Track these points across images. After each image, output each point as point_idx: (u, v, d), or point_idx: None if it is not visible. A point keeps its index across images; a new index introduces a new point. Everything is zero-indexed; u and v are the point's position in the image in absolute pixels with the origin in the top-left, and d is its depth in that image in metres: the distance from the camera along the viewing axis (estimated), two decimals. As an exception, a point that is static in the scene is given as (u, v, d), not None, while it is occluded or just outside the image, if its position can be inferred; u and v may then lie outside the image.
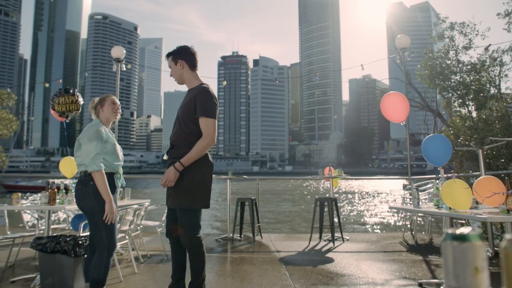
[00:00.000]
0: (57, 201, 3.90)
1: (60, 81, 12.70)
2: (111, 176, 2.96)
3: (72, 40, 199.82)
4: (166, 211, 5.17)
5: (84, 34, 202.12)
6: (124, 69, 7.38)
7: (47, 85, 11.69)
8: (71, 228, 4.82)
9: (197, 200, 2.73)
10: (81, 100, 4.93)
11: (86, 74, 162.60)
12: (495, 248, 4.85)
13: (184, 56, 2.92)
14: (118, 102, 3.16)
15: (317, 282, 3.70)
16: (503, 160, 8.36)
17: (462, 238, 0.60)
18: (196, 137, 2.76)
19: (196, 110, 2.76)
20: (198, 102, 2.76)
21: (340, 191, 36.72)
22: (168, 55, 2.97)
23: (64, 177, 5.69)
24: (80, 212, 4.58)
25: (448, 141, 4.38)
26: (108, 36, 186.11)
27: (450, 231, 0.63)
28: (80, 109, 5.01)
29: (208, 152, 2.84)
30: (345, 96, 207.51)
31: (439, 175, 3.71)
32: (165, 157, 2.94)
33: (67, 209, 4.25)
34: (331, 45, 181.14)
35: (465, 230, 0.62)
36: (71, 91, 4.84)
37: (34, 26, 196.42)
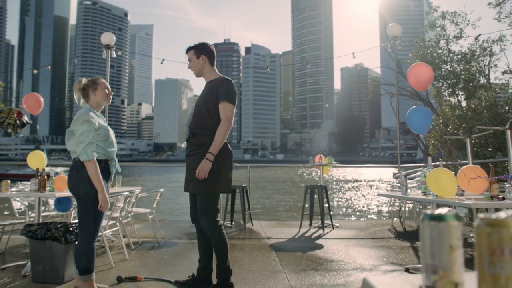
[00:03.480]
0: (47, 188, 3.89)
1: (49, 67, 12.54)
2: (106, 163, 2.95)
3: (61, 26, 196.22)
4: (157, 198, 5.19)
5: (73, 20, 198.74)
6: (114, 55, 7.28)
7: (35, 71, 11.52)
8: (59, 212, 4.83)
9: (217, 184, 2.88)
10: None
11: (76, 61, 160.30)
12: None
13: (206, 52, 3.14)
14: (109, 86, 3.14)
15: (306, 268, 3.76)
16: (490, 149, 8.50)
17: (439, 218, 0.63)
18: (217, 125, 2.93)
19: (218, 96, 2.95)
20: (222, 88, 2.97)
21: (331, 179, 37.02)
22: (190, 48, 3.18)
23: (54, 165, 5.58)
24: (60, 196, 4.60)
25: (427, 111, 4.80)
26: (98, 22, 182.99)
27: (428, 211, 0.66)
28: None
29: (227, 140, 2.99)
30: (337, 84, 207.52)
31: (427, 163, 3.78)
32: (183, 145, 3.09)
33: (58, 196, 4.23)
34: (323, 33, 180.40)
35: (442, 210, 0.64)
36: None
37: (20, 11, 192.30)
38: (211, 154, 2.82)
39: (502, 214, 0.57)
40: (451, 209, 0.67)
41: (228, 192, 3.07)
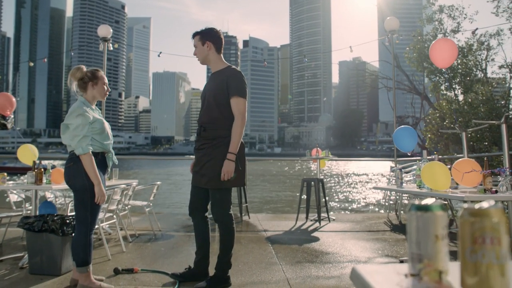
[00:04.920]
0: (44, 181, 3.89)
1: (46, 60, 12.48)
2: (102, 156, 2.96)
3: (57, 18, 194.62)
4: (154, 190, 5.21)
5: (69, 12, 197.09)
6: (111, 48, 7.26)
7: (31, 64, 11.46)
8: (57, 207, 4.83)
9: (232, 178, 2.84)
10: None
11: (72, 54, 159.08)
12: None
13: (212, 38, 3.00)
14: (107, 81, 3.13)
15: (302, 260, 3.79)
16: (486, 143, 8.54)
17: (425, 208, 0.64)
18: (228, 118, 2.88)
19: (229, 91, 2.87)
20: (233, 82, 2.88)
21: (328, 172, 37.14)
22: (195, 34, 3.04)
23: (53, 158, 5.54)
24: (47, 200, 4.60)
25: (413, 131, 4.90)
26: (95, 15, 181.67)
27: (416, 202, 0.67)
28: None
29: None
30: (335, 78, 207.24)
31: (422, 157, 3.81)
32: (192, 139, 3.05)
33: (54, 189, 4.24)
34: (322, 26, 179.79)
35: (428, 201, 0.66)
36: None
37: (16, 3, 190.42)
38: (232, 154, 2.79)
39: (484, 204, 0.59)
40: (438, 199, 0.69)
41: (242, 186, 3.07)
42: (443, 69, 11.46)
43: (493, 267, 0.56)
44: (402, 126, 5.18)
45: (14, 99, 5.58)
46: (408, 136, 4.87)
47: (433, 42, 5.27)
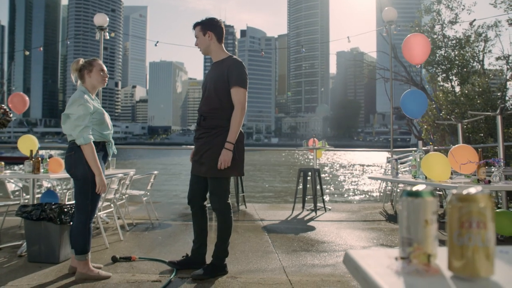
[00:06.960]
0: (41, 170, 3.90)
1: (41, 49, 12.36)
2: (103, 145, 2.98)
3: (53, 7, 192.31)
4: (151, 180, 5.23)
5: (65, 0, 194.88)
6: (108, 37, 7.22)
7: (27, 53, 11.40)
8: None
9: (232, 168, 2.87)
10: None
11: (68, 43, 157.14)
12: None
13: (213, 28, 3.01)
14: (105, 68, 3.12)
15: (298, 249, 3.84)
16: (482, 135, 8.59)
17: (416, 194, 0.67)
18: (228, 108, 2.89)
19: (229, 81, 2.88)
20: (233, 72, 2.89)
21: (325, 163, 37.25)
22: (197, 24, 3.04)
23: (50, 148, 5.57)
24: (50, 187, 4.62)
25: (423, 94, 4.68)
26: (91, 3, 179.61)
27: (408, 188, 0.69)
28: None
29: None
30: (333, 69, 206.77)
31: (418, 148, 3.84)
32: (192, 128, 3.07)
33: (52, 178, 4.25)
34: (320, 16, 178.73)
35: (419, 187, 0.68)
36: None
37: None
38: (230, 143, 2.80)
39: (472, 190, 0.61)
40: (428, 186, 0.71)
41: (241, 175, 3.08)
42: (440, 61, 11.47)
43: (479, 250, 0.59)
44: (410, 89, 5.06)
45: (27, 98, 5.81)
46: (417, 100, 4.73)
47: (404, 39, 5.19)
